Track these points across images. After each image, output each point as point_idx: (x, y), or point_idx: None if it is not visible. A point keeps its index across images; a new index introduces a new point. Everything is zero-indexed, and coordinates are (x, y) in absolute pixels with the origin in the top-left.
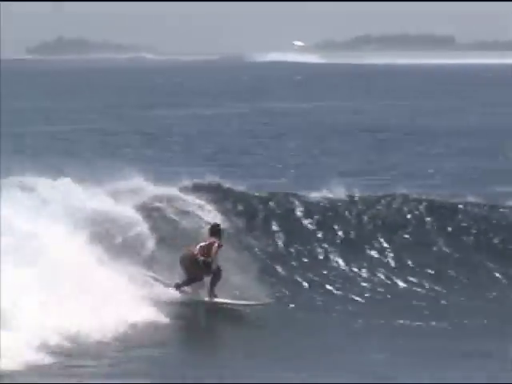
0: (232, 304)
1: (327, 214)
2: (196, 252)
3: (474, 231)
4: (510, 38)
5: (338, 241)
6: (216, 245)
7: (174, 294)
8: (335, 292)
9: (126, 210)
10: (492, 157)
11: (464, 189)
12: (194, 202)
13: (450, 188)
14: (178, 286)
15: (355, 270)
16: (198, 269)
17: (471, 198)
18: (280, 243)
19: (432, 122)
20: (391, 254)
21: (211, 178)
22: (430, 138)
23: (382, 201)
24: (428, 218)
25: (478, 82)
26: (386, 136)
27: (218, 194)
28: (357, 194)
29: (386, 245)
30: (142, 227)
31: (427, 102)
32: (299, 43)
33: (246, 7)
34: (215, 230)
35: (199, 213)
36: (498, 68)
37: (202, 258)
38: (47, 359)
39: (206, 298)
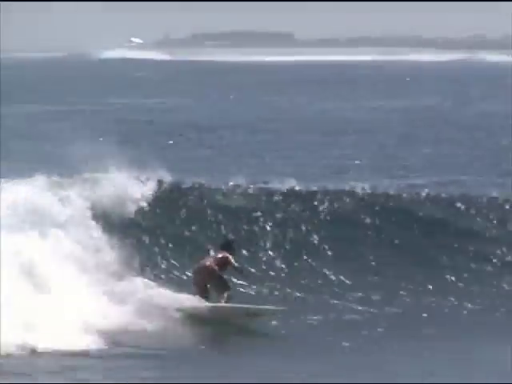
0: (244, 309)
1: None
2: (210, 263)
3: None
4: (355, 34)
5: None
6: (232, 258)
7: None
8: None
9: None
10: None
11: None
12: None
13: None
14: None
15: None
16: (213, 279)
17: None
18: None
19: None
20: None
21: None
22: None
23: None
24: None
25: (312, 79)
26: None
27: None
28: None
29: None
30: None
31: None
32: (137, 40)
33: (89, 5)
34: (227, 244)
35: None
36: (340, 64)
37: (216, 268)
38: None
39: (216, 303)
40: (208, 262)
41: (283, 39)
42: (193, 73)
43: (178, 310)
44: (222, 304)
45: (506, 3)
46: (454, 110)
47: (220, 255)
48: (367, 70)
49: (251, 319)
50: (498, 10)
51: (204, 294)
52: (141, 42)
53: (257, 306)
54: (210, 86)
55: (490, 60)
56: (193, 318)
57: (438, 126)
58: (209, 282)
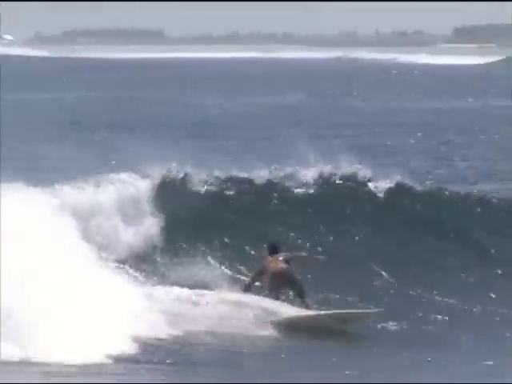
0: (342, 314)
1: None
2: (285, 266)
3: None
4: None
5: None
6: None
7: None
8: None
9: None
10: None
11: None
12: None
13: None
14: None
15: None
16: (293, 283)
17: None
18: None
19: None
20: None
21: None
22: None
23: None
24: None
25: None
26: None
27: None
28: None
29: None
30: None
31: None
32: (8, 37)
33: None
34: (275, 247)
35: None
36: (213, 61)
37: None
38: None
39: (305, 312)
40: (281, 265)
41: (154, 36)
42: (69, 69)
43: (276, 321)
44: (321, 312)
45: (375, 3)
46: (317, 106)
47: (281, 257)
48: (238, 67)
49: (347, 324)
50: (368, 8)
51: (277, 300)
52: (12, 38)
53: (353, 311)
54: (84, 83)
55: (362, 57)
56: (289, 327)
57: (299, 122)
58: (286, 287)
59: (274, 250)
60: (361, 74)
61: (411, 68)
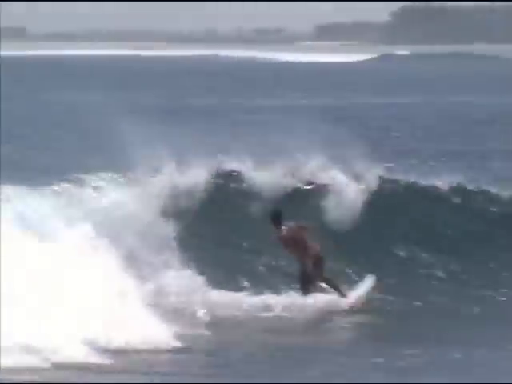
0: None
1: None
2: (318, 247)
3: None
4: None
5: None
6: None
7: None
8: None
9: None
10: None
11: None
12: None
13: None
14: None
15: None
16: (323, 266)
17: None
18: None
19: None
20: None
21: None
22: None
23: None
24: None
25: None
26: None
27: None
28: None
29: None
30: None
31: None
32: None
33: None
34: (280, 215)
35: None
36: (75, 58)
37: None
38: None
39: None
40: (315, 246)
41: (14, 33)
42: None
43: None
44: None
45: (237, 3)
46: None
47: (295, 227)
48: (100, 64)
49: None
50: (228, 5)
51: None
52: None
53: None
54: None
55: (222, 54)
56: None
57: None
58: (322, 271)
59: (278, 219)
60: (221, 71)
61: (273, 66)
